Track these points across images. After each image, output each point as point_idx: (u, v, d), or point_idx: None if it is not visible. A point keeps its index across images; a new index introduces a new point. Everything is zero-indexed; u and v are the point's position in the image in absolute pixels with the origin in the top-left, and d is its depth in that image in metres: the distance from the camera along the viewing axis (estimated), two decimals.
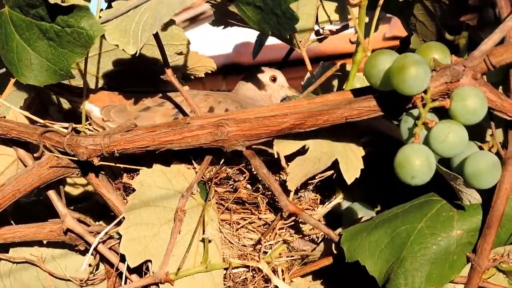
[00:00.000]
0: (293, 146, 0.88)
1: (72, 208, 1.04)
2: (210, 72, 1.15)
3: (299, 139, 0.88)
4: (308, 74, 1.13)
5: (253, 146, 0.88)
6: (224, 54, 4.32)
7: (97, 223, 1.03)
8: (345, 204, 0.99)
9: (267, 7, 0.87)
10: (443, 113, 0.81)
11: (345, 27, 1.09)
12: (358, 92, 0.86)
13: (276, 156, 0.87)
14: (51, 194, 0.99)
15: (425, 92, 0.79)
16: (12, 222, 1.02)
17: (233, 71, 3.98)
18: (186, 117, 0.90)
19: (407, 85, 0.77)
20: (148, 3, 0.88)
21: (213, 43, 3.64)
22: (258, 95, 1.05)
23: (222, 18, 1.07)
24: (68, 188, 1.14)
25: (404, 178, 0.79)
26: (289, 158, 0.88)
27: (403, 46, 1.18)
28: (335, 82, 1.10)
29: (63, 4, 0.83)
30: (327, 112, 0.85)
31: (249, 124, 0.87)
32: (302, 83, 1.14)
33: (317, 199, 0.97)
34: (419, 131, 0.79)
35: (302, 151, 0.88)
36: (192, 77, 1.17)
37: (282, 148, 0.88)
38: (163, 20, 0.81)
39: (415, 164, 0.77)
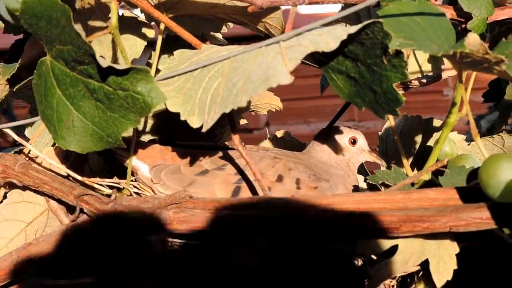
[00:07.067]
0: (380, 246, 0.74)
1: None
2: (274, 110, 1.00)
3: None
4: (387, 124, 0.97)
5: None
6: None
7: None
8: None
9: (363, 80, 0.71)
10: None
11: (437, 78, 0.93)
12: (465, 193, 0.71)
13: (358, 262, 0.73)
14: None
15: None
16: None
17: None
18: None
19: None
20: (219, 65, 0.72)
21: None
22: (334, 160, 0.89)
23: None
24: None
25: None
26: None
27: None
28: (418, 138, 0.94)
29: (117, 67, 0.67)
30: (428, 219, 0.70)
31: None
32: (380, 133, 0.98)
33: (393, 286, 0.83)
34: None
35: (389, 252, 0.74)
36: (253, 113, 1.02)
37: (366, 248, 0.74)
38: (240, 101, 0.65)
39: None
